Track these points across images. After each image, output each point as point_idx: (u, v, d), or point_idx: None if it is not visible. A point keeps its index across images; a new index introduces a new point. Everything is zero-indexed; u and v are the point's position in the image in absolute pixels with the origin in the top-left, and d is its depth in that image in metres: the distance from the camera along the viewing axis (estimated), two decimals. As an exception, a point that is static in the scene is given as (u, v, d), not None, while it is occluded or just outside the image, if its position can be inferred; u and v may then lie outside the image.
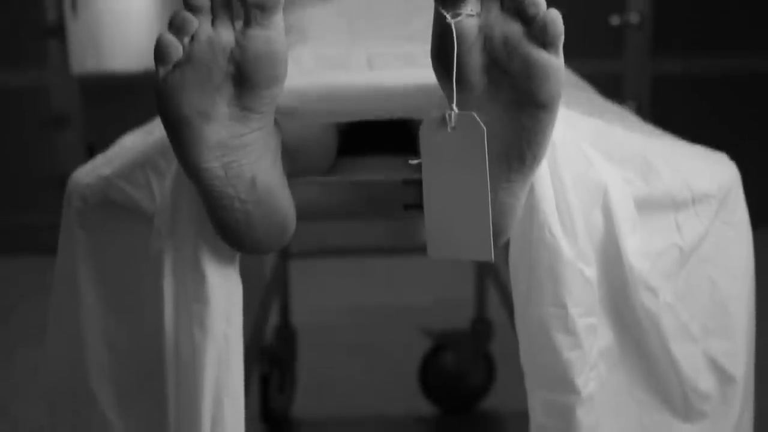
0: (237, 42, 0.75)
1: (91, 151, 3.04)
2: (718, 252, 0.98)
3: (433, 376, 2.14)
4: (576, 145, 0.89)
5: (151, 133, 1.07)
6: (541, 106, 0.75)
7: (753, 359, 1.02)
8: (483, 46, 0.75)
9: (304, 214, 0.89)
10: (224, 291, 0.86)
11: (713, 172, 0.99)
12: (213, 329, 0.85)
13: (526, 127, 0.76)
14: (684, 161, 0.98)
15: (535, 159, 0.79)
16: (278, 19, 0.76)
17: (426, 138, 0.78)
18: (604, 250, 0.90)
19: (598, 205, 0.89)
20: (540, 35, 0.74)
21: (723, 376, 0.97)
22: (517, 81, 0.75)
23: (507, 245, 0.89)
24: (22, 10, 3.02)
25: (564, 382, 0.87)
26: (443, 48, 0.75)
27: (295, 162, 0.92)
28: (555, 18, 0.73)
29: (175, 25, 0.74)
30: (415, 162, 0.80)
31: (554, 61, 0.74)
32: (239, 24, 0.76)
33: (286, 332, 2.22)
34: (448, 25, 0.74)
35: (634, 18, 3.03)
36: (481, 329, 2.19)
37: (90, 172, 1.00)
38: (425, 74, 0.83)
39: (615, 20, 3.04)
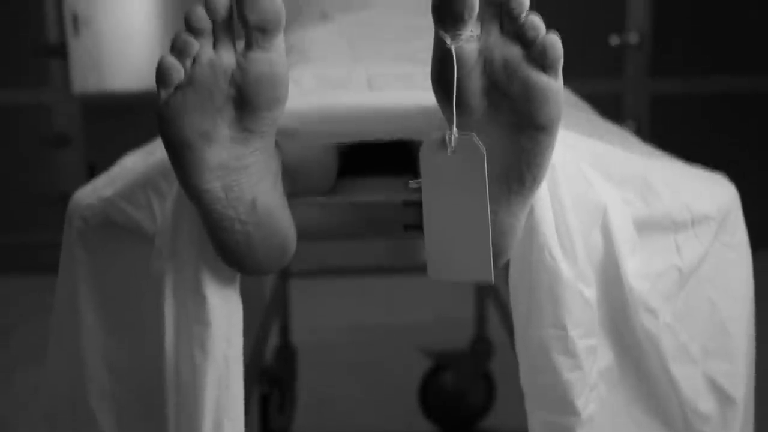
0: (238, 64, 0.76)
1: (92, 170, 3.04)
2: (717, 273, 0.98)
3: (433, 395, 2.14)
4: (576, 166, 0.90)
5: (152, 154, 1.07)
6: (541, 129, 0.76)
7: (753, 381, 1.02)
8: (483, 69, 0.76)
9: (304, 234, 0.90)
10: (225, 312, 0.86)
11: (713, 194, 0.99)
12: (213, 351, 0.85)
13: (526, 149, 0.77)
14: (684, 183, 0.99)
15: (535, 181, 0.79)
16: (279, 41, 0.76)
17: (426, 160, 0.78)
18: (603, 271, 0.90)
19: (598, 226, 0.90)
20: (539, 58, 0.74)
21: (723, 397, 0.97)
22: (517, 104, 0.75)
23: (507, 266, 0.89)
24: (24, 30, 3.03)
25: (564, 404, 0.87)
26: (443, 71, 0.76)
27: (295, 183, 0.92)
28: (554, 42, 0.74)
29: (177, 48, 0.75)
30: (415, 184, 0.80)
31: (554, 84, 0.75)
32: (241, 46, 0.76)
33: (286, 352, 2.22)
34: (449, 49, 0.74)
35: (633, 38, 3.04)
36: (481, 349, 2.19)
37: (91, 192, 1.00)
38: (425, 96, 0.84)
39: (614, 40, 3.05)
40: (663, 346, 0.91)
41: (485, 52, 0.75)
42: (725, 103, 3.15)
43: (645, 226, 0.93)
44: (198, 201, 0.79)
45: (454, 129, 0.76)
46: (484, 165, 0.76)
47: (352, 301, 2.86)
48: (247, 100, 0.76)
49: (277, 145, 0.85)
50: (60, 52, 2.98)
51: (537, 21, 0.74)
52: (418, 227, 0.88)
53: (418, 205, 0.82)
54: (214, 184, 0.78)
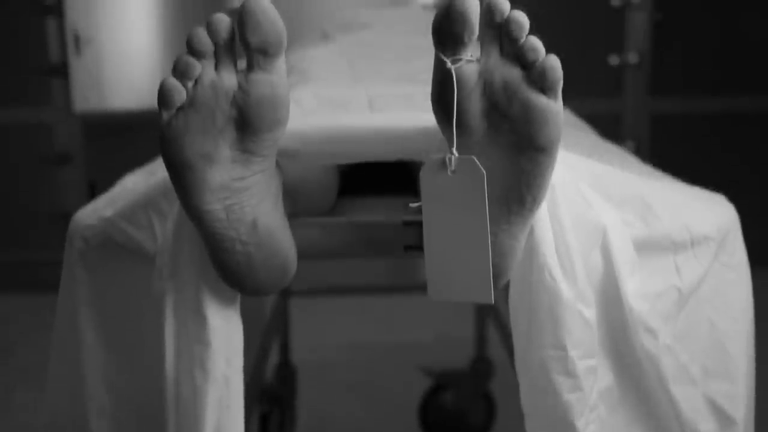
0: (240, 86, 0.76)
1: (93, 188, 3.05)
2: (717, 294, 0.98)
3: (433, 414, 2.13)
4: (575, 186, 0.90)
5: (153, 174, 1.07)
6: (541, 150, 0.76)
7: (753, 401, 1.02)
8: (483, 91, 0.76)
9: (305, 254, 0.90)
10: (225, 333, 0.86)
11: (712, 215, 1.00)
12: (214, 371, 0.85)
13: (526, 170, 0.77)
14: (683, 203, 0.99)
15: (535, 201, 0.79)
16: (281, 63, 0.77)
17: (426, 181, 0.79)
18: (603, 292, 0.90)
19: (598, 247, 0.90)
20: (539, 80, 0.75)
21: (723, 418, 0.97)
22: (517, 125, 0.76)
23: (507, 286, 0.89)
24: (26, 49, 3.04)
25: (564, 424, 0.87)
26: (443, 93, 0.76)
27: (296, 203, 0.93)
28: (554, 64, 0.74)
29: (179, 70, 0.75)
30: (415, 205, 0.80)
31: (553, 106, 0.75)
32: (242, 68, 0.77)
33: (286, 370, 2.21)
34: (449, 71, 0.75)
35: (632, 58, 3.05)
36: (481, 368, 2.19)
37: (92, 212, 1.00)
38: (426, 117, 0.84)
39: (614, 60, 3.06)
40: (663, 367, 0.91)
41: (485, 74, 0.76)
42: (724, 122, 3.15)
43: (644, 247, 0.93)
44: (199, 222, 0.79)
45: (454, 150, 0.77)
46: (484, 186, 0.76)
47: (352, 319, 2.86)
48: (248, 122, 0.76)
49: (278, 165, 0.85)
50: (61, 71, 2.99)
51: (536, 43, 0.74)
52: (418, 248, 0.88)
53: (419, 225, 0.82)
54: (215, 205, 0.78)
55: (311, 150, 0.91)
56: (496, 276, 0.82)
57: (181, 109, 0.76)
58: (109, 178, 1.19)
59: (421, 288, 0.86)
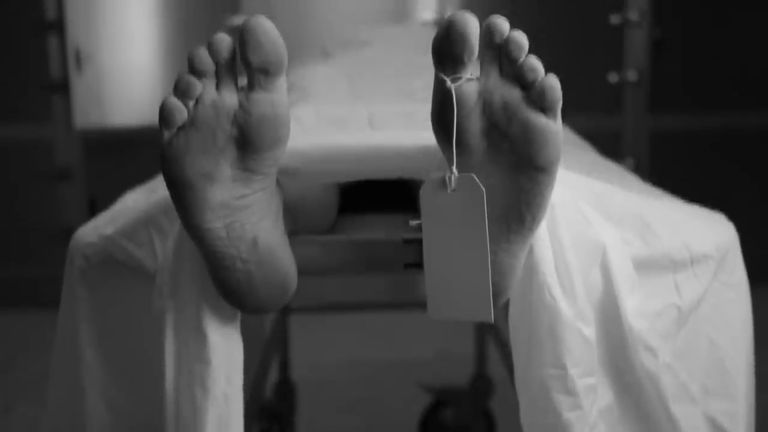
0: (241, 105, 0.76)
1: (93, 204, 3.05)
2: (716, 312, 0.99)
3: (433, 432, 2.13)
4: (575, 205, 0.90)
5: (154, 191, 1.08)
6: (540, 169, 0.76)
7: (753, 419, 1.02)
8: (483, 110, 0.76)
9: (305, 272, 0.90)
10: (225, 351, 0.86)
11: (712, 233, 1.00)
12: (214, 389, 0.85)
13: (525, 189, 0.77)
14: (682, 222, 0.99)
15: (534, 220, 0.80)
16: (282, 82, 0.77)
17: (426, 199, 0.79)
18: (603, 310, 0.91)
19: (597, 266, 0.90)
20: (539, 100, 0.75)
21: (723, 436, 0.97)
22: (517, 145, 0.76)
23: (507, 304, 0.89)
24: (27, 66, 3.05)
25: (564, 443, 0.87)
26: (443, 113, 0.77)
27: (296, 221, 0.93)
28: (553, 84, 0.74)
29: (180, 89, 0.75)
30: (415, 223, 0.80)
31: (553, 125, 0.76)
32: (243, 87, 0.77)
33: (286, 388, 2.21)
34: (449, 91, 0.75)
35: (632, 75, 3.06)
36: (481, 386, 2.18)
37: (93, 230, 1.00)
38: (426, 136, 0.85)
39: (613, 77, 3.06)
40: (663, 385, 0.91)
41: (485, 93, 0.76)
42: (724, 139, 3.16)
43: (644, 266, 0.93)
44: (200, 240, 0.80)
45: (454, 169, 0.77)
46: (483, 205, 0.76)
47: (352, 337, 2.86)
48: (249, 141, 0.76)
49: (278, 183, 0.86)
50: (62, 87, 3.00)
51: (536, 63, 0.75)
52: (418, 266, 0.88)
53: (419, 243, 0.82)
54: (215, 224, 0.78)
55: (312, 168, 0.91)
56: (496, 294, 0.82)
57: (182, 128, 0.76)
58: (110, 194, 1.19)
59: (422, 305, 0.86)
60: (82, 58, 2.95)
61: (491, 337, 2.10)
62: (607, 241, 0.90)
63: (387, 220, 1.07)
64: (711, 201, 1.39)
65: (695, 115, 3.15)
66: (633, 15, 3.04)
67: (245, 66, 0.75)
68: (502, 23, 0.74)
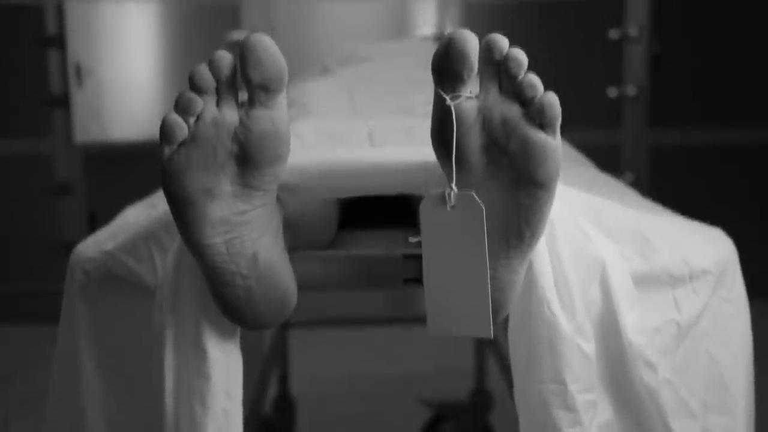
0: (241, 122, 0.77)
1: (93, 219, 3.05)
2: (716, 328, 0.99)
3: (433, 447, 2.13)
4: (574, 221, 0.90)
5: (154, 206, 1.08)
6: (539, 186, 0.77)
7: (753, 435, 1.02)
8: (482, 126, 0.77)
9: (305, 287, 0.90)
10: (225, 366, 0.86)
11: (711, 249, 1.00)
12: (213, 405, 0.85)
13: (525, 205, 0.78)
14: (682, 237, 0.99)
15: (534, 236, 0.80)
16: (282, 99, 0.78)
17: (426, 215, 0.79)
18: (602, 326, 0.91)
19: (597, 281, 0.90)
20: (538, 117, 0.75)
21: (723, 452, 0.97)
22: (516, 161, 0.76)
23: (506, 319, 0.89)
24: (28, 80, 3.05)
25: (564, 459, 0.87)
26: (443, 129, 0.77)
27: (296, 237, 0.93)
28: (552, 100, 0.75)
29: (181, 106, 0.76)
30: (415, 239, 0.81)
31: (552, 142, 0.76)
32: (244, 104, 0.77)
33: (285, 402, 2.21)
34: (448, 108, 0.76)
35: (631, 90, 3.07)
36: (480, 401, 2.18)
37: (93, 245, 1.01)
38: (425, 152, 0.85)
39: (612, 92, 3.07)
40: (662, 401, 0.91)
41: (484, 110, 0.76)
42: (723, 153, 3.17)
43: (643, 281, 0.94)
44: (200, 256, 0.80)
45: (454, 185, 0.77)
46: (483, 221, 0.77)
47: (352, 351, 2.85)
48: (249, 157, 0.77)
49: (278, 199, 0.86)
50: (62, 102, 3.01)
51: (535, 80, 0.75)
52: (417, 281, 0.88)
53: (418, 258, 0.82)
54: (215, 239, 0.79)
55: (312, 184, 0.91)
56: (496, 310, 0.83)
57: (182, 144, 0.76)
58: (110, 209, 1.19)
59: (421, 320, 0.86)
60: (82, 72, 2.95)
61: (491, 352, 2.10)
62: (606, 257, 0.90)
63: (387, 236, 1.07)
64: (710, 215, 1.39)
65: (694, 129, 3.16)
66: (632, 30, 3.05)
67: (246, 83, 0.76)
68: (501, 40, 0.75)
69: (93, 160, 3.10)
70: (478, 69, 0.75)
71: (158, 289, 0.90)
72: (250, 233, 0.80)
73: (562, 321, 0.85)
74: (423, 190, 0.90)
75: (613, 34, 3.05)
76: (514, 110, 0.76)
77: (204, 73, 0.75)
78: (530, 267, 0.85)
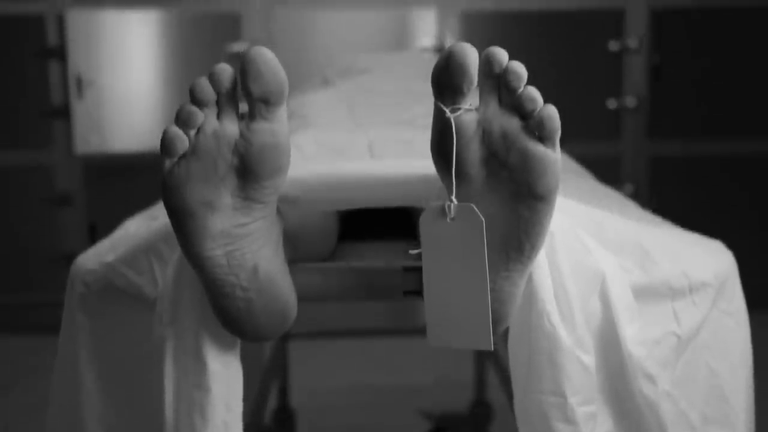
0: (242, 134, 0.77)
1: (93, 230, 3.05)
2: (716, 340, 0.99)
3: (433, 459, 2.12)
4: (574, 233, 0.90)
5: (155, 218, 1.08)
6: (539, 198, 0.77)
7: (753, 447, 1.02)
8: (482, 139, 0.77)
9: (305, 299, 0.90)
10: (225, 378, 0.86)
11: (710, 261, 1.00)
12: (213, 417, 0.85)
13: (524, 217, 0.78)
14: (681, 250, 0.99)
15: (534, 249, 0.80)
16: (282, 112, 0.78)
17: (426, 228, 0.79)
18: (602, 338, 0.91)
19: (596, 293, 0.90)
20: (537, 130, 0.76)
21: (723, 464, 0.97)
22: (516, 173, 0.76)
23: (506, 331, 0.89)
24: (29, 92, 3.06)
25: (564, 471, 0.87)
26: (443, 142, 0.77)
27: (296, 249, 0.93)
28: (552, 113, 0.75)
29: (182, 119, 0.76)
30: (415, 252, 0.81)
31: (551, 154, 0.76)
32: (244, 116, 0.77)
33: (285, 414, 2.20)
34: (448, 121, 0.76)
35: (630, 102, 3.07)
36: (480, 412, 2.18)
37: (93, 257, 1.01)
38: (425, 164, 0.85)
39: (612, 104, 3.08)
40: (662, 413, 0.91)
41: (484, 123, 0.77)
42: (723, 164, 3.17)
43: (643, 293, 0.94)
44: (200, 268, 0.80)
45: (454, 198, 0.77)
46: (483, 234, 0.77)
47: (352, 363, 2.85)
48: (250, 170, 0.77)
49: (278, 211, 0.86)
50: (63, 113, 3.01)
51: (534, 93, 0.75)
52: (418, 293, 0.88)
53: (418, 271, 0.82)
54: (216, 252, 0.79)
55: (312, 196, 0.91)
56: (495, 322, 0.83)
57: (183, 157, 0.77)
58: (110, 220, 1.19)
59: (421, 331, 0.86)
60: (83, 84, 2.96)
61: (491, 363, 2.10)
62: (606, 269, 0.90)
63: (387, 248, 1.07)
64: (710, 227, 1.40)
65: (694, 140, 3.16)
66: (632, 42, 3.05)
67: (246, 96, 0.76)
68: (500, 53, 0.75)
69: (93, 171, 3.10)
70: (478, 82, 0.76)
71: (158, 301, 0.90)
72: (250, 245, 0.80)
73: (562, 333, 0.85)
74: (423, 202, 0.90)
75: (613, 45, 3.06)
76: (513, 123, 0.76)
77: (205, 85, 0.76)
78: (530, 279, 0.85)
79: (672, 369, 0.94)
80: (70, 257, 1.03)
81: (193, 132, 0.76)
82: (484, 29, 3.07)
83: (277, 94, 0.76)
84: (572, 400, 0.85)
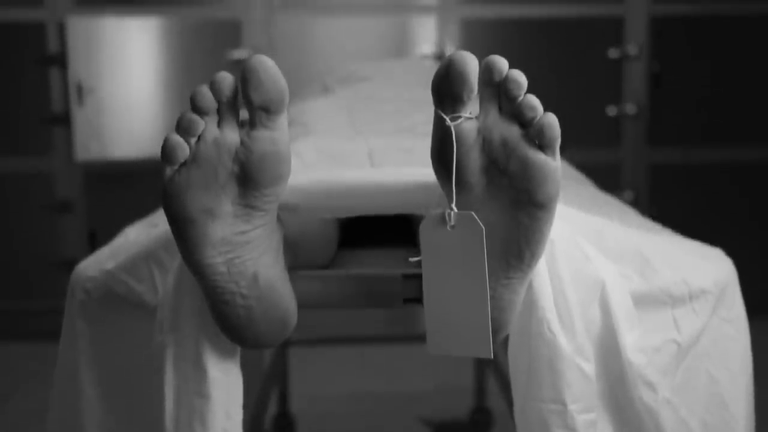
0: (242, 142, 0.77)
1: (93, 237, 3.05)
2: (716, 348, 0.99)
3: (433, 466, 2.12)
4: (574, 241, 0.91)
5: (155, 225, 1.08)
6: (539, 206, 0.77)
7: (753, 455, 1.02)
8: (482, 147, 0.77)
9: (305, 306, 0.90)
10: (225, 385, 0.86)
11: (710, 269, 1.00)
12: (214, 425, 0.85)
13: (524, 225, 0.78)
14: (681, 257, 0.99)
15: (533, 256, 0.80)
16: (283, 120, 0.78)
17: (426, 235, 0.79)
18: (602, 345, 0.91)
19: (596, 301, 0.90)
20: (537, 138, 0.76)
21: (723, 471, 0.97)
22: (516, 181, 0.77)
23: (507, 338, 0.89)
24: (28, 99, 3.06)
25: (565, 478, 0.87)
26: (443, 150, 0.77)
27: (296, 256, 0.93)
28: (552, 121, 0.75)
29: (182, 127, 0.76)
30: (415, 260, 0.81)
31: (551, 162, 0.76)
32: (245, 124, 0.78)
33: (285, 421, 2.20)
34: (448, 129, 0.76)
35: (630, 109, 3.07)
36: (480, 419, 2.18)
37: (94, 264, 1.01)
38: (425, 172, 0.85)
39: (612, 111, 3.08)
40: (662, 421, 0.91)
41: (484, 131, 0.77)
42: (723, 171, 3.17)
43: (643, 301, 0.94)
44: (200, 275, 0.80)
45: (454, 206, 0.78)
46: (483, 242, 0.77)
47: (352, 369, 2.85)
48: (250, 178, 0.77)
49: (278, 219, 0.86)
50: (63, 120, 3.01)
51: (534, 101, 0.75)
52: (417, 301, 0.88)
53: (418, 278, 0.83)
54: (216, 259, 0.79)
55: (312, 204, 0.92)
56: (495, 330, 0.83)
57: (184, 164, 0.77)
58: (110, 227, 1.19)
59: (421, 338, 0.86)
60: (83, 91, 2.96)
61: (491, 370, 2.10)
62: (606, 277, 0.90)
63: (387, 255, 1.07)
64: (710, 233, 1.40)
65: (694, 147, 3.16)
66: (631, 49, 3.06)
67: (247, 104, 0.76)
68: (500, 62, 0.75)
69: (93, 178, 3.10)
70: (478, 90, 0.76)
71: (158, 309, 0.90)
72: (250, 253, 0.80)
73: (562, 341, 0.86)
74: (423, 210, 0.90)
75: (613, 52, 3.06)
76: (513, 131, 0.76)
77: (205, 94, 0.76)
78: (530, 287, 0.85)
79: (672, 376, 0.94)
80: (71, 264, 1.03)
81: (193, 140, 0.77)
82: (484, 36, 3.07)
83: (277, 103, 0.76)
84: (572, 407, 0.85)
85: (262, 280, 0.82)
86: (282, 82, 0.76)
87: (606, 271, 0.91)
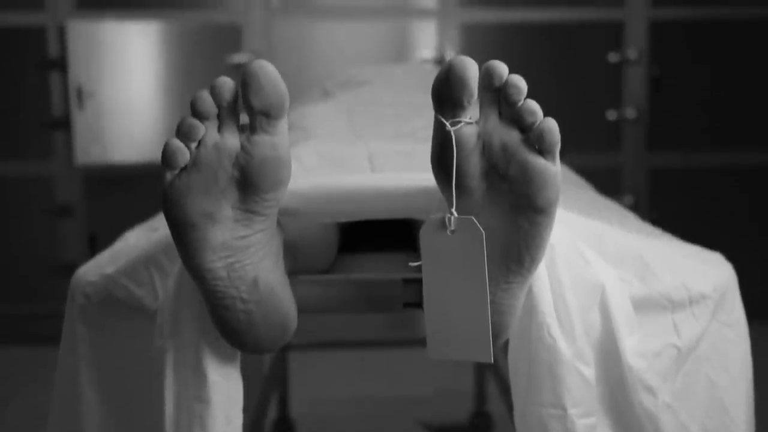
0: (243, 147, 0.77)
1: (93, 241, 3.05)
2: (716, 352, 0.99)
3: (433, 470, 2.12)
4: (574, 245, 0.91)
5: (155, 230, 1.08)
6: (539, 211, 0.77)
7: (753, 459, 1.02)
8: (482, 152, 0.77)
9: (305, 310, 0.90)
10: (225, 390, 0.87)
11: (710, 273, 1.00)
12: (213, 429, 0.85)
13: (524, 230, 0.78)
14: (681, 262, 0.99)
15: (533, 261, 0.80)
16: (283, 125, 0.78)
17: (426, 240, 0.80)
18: (602, 350, 0.91)
19: (596, 306, 0.90)
20: (537, 143, 0.76)
21: (723, 476, 0.97)
22: (516, 186, 0.77)
23: (507, 343, 0.89)
24: (28, 103, 3.06)
25: (564, 483, 0.87)
26: (443, 155, 0.77)
27: (296, 261, 0.93)
28: (552, 127, 0.75)
29: (183, 132, 0.76)
30: (415, 264, 0.81)
31: (551, 167, 0.76)
32: (245, 129, 0.78)
33: (285, 425, 2.20)
34: (448, 134, 0.76)
35: (630, 113, 3.07)
36: (480, 423, 2.18)
37: (94, 269, 1.01)
38: (425, 177, 0.85)
39: (612, 115, 3.08)
40: (662, 425, 0.91)
41: (484, 135, 0.77)
42: (722, 176, 3.17)
43: (642, 305, 0.94)
44: (200, 280, 0.80)
45: (454, 210, 0.78)
46: (483, 246, 0.77)
47: (352, 374, 2.85)
48: (250, 182, 0.77)
49: (278, 224, 0.86)
50: (64, 124, 3.01)
51: (534, 106, 0.76)
52: (418, 305, 0.88)
53: (418, 283, 0.83)
54: (216, 264, 0.79)
55: (312, 209, 0.92)
56: (495, 335, 0.83)
57: (184, 169, 0.77)
58: (110, 231, 1.19)
59: (421, 342, 0.86)
60: (83, 95, 2.96)
61: (491, 374, 2.10)
62: (606, 281, 0.91)
63: (387, 259, 1.07)
64: (710, 238, 1.40)
65: (694, 152, 3.17)
66: (631, 53, 3.06)
67: (247, 109, 0.76)
68: (500, 67, 0.75)
69: (93, 182, 3.10)
70: (478, 95, 0.76)
71: (158, 313, 0.90)
72: (250, 257, 0.80)
73: (562, 345, 0.86)
74: (423, 214, 0.90)
75: (613, 57, 3.07)
76: (513, 136, 0.76)
77: (206, 99, 0.76)
78: (530, 291, 0.85)
79: (672, 381, 0.94)
80: (71, 268, 1.03)
81: (194, 145, 0.77)
82: (484, 41, 3.07)
83: (278, 108, 0.76)
84: (572, 412, 0.86)
85: (262, 284, 0.82)
86: (282, 86, 0.76)
87: (606, 275, 0.91)
